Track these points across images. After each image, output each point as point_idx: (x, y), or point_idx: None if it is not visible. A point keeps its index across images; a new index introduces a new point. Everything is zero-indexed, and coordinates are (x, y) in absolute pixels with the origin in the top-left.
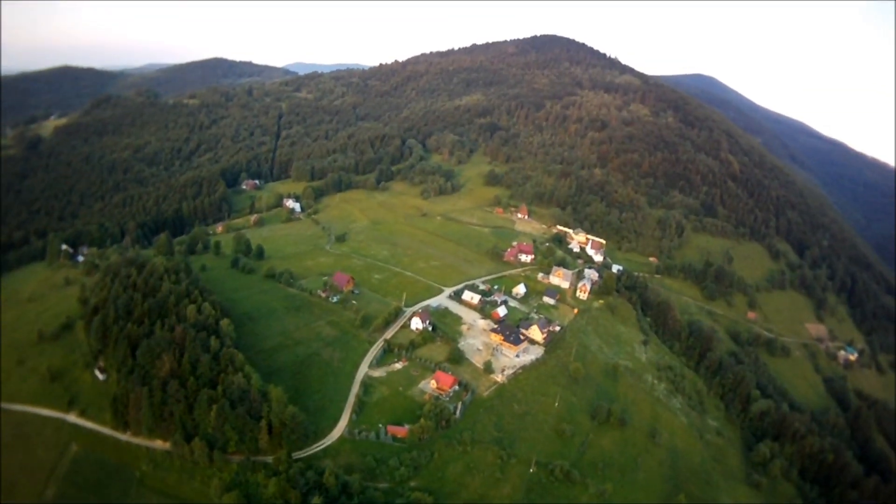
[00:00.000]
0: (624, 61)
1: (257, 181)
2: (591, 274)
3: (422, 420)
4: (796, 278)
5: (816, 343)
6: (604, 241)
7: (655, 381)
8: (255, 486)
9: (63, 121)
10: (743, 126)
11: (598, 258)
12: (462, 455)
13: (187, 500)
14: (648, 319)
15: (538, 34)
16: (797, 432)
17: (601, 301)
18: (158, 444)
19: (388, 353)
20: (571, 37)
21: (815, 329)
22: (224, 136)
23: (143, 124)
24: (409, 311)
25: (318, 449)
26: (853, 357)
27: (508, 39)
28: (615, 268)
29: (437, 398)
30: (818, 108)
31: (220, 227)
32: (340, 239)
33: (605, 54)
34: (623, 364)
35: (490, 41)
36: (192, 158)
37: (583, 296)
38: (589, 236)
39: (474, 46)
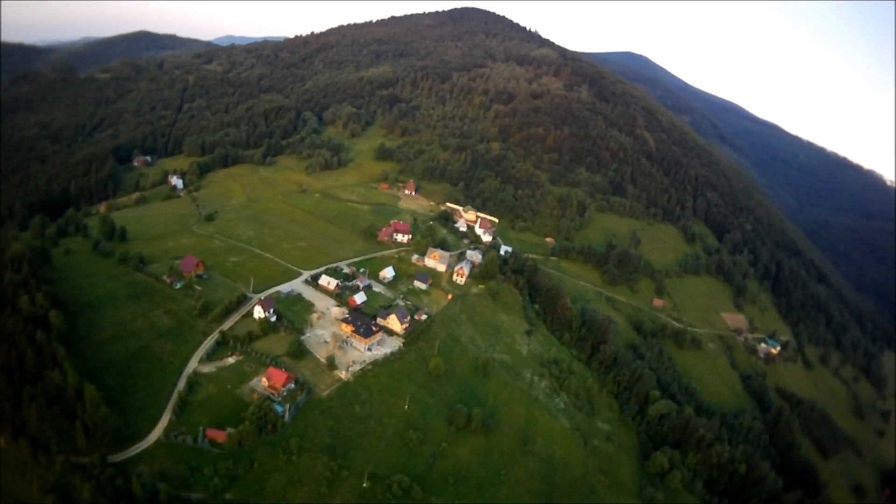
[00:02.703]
0: (545, 35)
1: (148, 157)
2: (474, 256)
3: (245, 423)
4: (713, 263)
5: (733, 335)
6: (496, 220)
7: (536, 378)
8: (75, 490)
9: None
10: (670, 105)
11: (487, 238)
12: (286, 465)
13: (18, 500)
14: (537, 307)
15: (458, 6)
16: (702, 439)
17: (482, 286)
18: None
19: (222, 345)
20: (492, 9)
21: (733, 319)
22: (126, 111)
23: (55, 100)
24: (255, 297)
25: (134, 453)
26: (775, 350)
27: (427, 11)
28: (503, 249)
29: (267, 398)
30: (755, 93)
31: (102, 207)
32: (209, 218)
33: (525, 27)
34: (498, 358)
35: (409, 13)
36: (94, 134)
37: (460, 280)
38: (480, 214)
39: (392, 18)
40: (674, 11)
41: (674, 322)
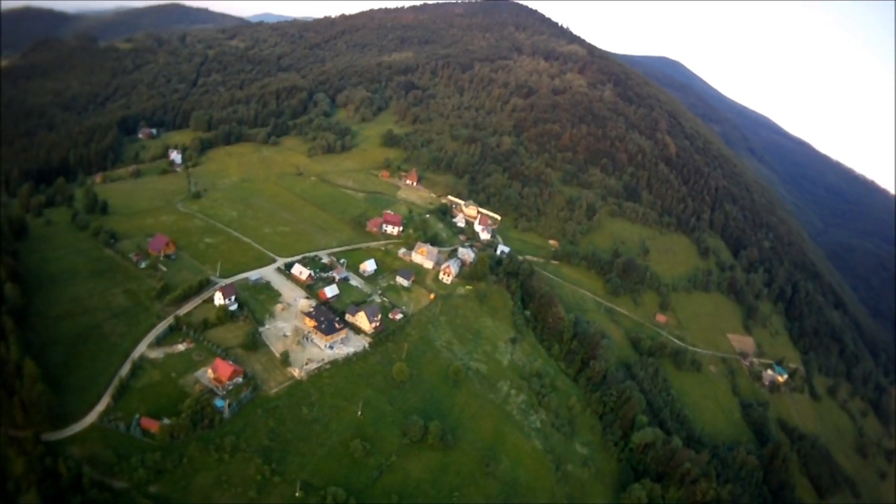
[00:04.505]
0: (577, 32)
1: (154, 130)
2: (466, 254)
3: (181, 415)
4: (725, 280)
5: (738, 358)
6: (498, 217)
7: (513, 392)
8: (10, 463)
9: (4, 63)
10: (701, 113)
11: (486, 236)
12: (217, 464)
13: None
14: (528, 313)
15: None
16: (688, 473)
17: (469, 287)
18: None
19: (174, 331)
20: (525, 3)
21: (740, 341)
22: (141, 83)
23: (71, 69)
24: (221, 282)
25: (69, 434)
26: (782, 378)
27: (459, 1)
28: (501, 248)
29: (210, 391)
30: (787, 109)
31: (98, 178)
32: (197, 196)
33: (556, 23)
34: (474, 367)
35: (442, 1)
36: (107, 104)
37: (446, 279)
38: (481, 210)
39: (424, 5)
40: (713, 20)
41: (675, 340)
